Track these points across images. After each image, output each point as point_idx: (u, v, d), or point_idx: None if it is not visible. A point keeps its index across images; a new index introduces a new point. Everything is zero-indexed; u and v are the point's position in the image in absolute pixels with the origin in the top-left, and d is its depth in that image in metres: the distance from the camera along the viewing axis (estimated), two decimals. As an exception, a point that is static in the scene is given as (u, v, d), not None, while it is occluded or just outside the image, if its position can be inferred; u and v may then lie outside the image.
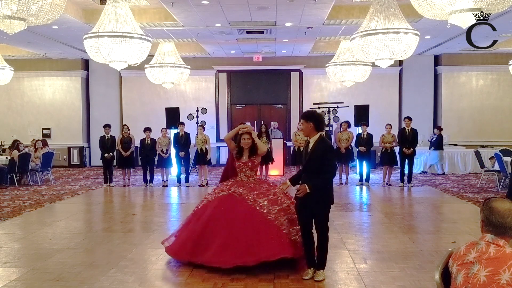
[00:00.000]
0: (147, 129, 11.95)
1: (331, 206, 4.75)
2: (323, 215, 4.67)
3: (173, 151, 12.09)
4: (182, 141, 11.82)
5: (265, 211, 4.98)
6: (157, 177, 12.36)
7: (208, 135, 12.22)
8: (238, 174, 5.40)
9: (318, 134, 4.63)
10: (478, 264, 2.27)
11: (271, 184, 5.55)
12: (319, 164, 4.54)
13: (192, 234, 5.13)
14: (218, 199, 5.23)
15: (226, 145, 18.63)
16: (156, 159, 12.11)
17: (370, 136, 11.70)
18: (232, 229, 4.91)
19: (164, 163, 12.04)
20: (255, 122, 16.32)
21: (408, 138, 11.27)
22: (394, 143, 11.59)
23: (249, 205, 5.04)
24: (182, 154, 11.78)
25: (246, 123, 12.84)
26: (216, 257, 4.85)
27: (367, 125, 11.98)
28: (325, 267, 4.79)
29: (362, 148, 11.56)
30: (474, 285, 2.23)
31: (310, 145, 4.65)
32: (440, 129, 14.17)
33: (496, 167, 11.12)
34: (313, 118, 4.62)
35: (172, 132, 12.86)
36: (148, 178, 11.89)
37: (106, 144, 11.95)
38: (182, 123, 12.13)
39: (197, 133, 12.18)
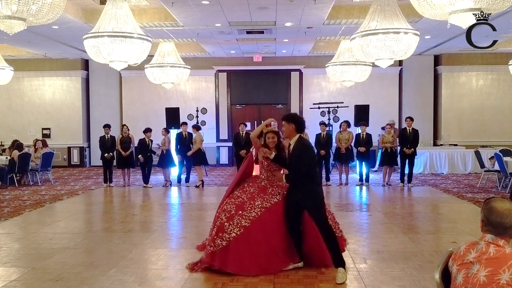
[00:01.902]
0: (148, 130, 11.86)
1: (325, 204, 4.84)
2: (317, 213, 4.73)
3: (173, 151, 12.06)
4: (186, 141, 11.79)
5: None
6: (157, 177, 12.33)
7: (201, 135, 12.11)
8: (264, 174, 5.28)
9: (298, 135, 4.83)
10: (478, 264, 2.27)
11: None
12: (299, 163, 4.73)
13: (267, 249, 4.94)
14: (274, 210, 5.05)
15: (225, 145, 18.67)
16: (158, 159, 12.03)
17: (369, 136, 11.70)
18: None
19: (166, 163, 11.96)
20: (255, 122, 16.32)
21: (409, 138, 11.27)
22: (394, 143, 11.59)
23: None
24: (190, 153, 11.72)
25: (246, 123, 12.90)
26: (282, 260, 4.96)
27: (367, 125, 11.99)
28: (344, 266, 4.73)
29: (362, 149, 11.55)
30: (474, 285, 2.23)
31: (291, 147, 4.87)
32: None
33: (496, 167, 11.12)
34: (294, 120, 4.87)
35: (173, 132, 12.83)
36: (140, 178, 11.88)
37: (106, 144, 11.94)
38: (185, 123, 12.08)
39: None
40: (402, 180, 11.54)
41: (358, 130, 12.35)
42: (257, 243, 4.84)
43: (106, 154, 11.83)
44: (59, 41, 13.30)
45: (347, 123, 11.98)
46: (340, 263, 4.72)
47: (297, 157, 4.73)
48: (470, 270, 2.29)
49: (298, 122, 4.85)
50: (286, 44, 14.44)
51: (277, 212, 4.99)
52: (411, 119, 11.44)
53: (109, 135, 12.04)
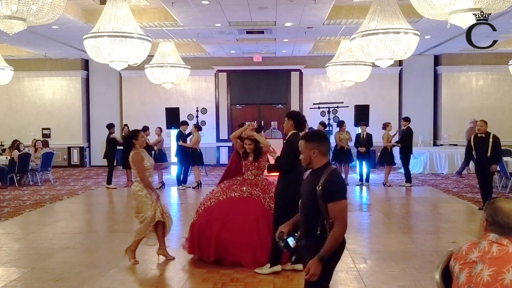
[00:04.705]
0: (146, 129, 11.70)
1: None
2: (275, 211, 4.84)
3: (173, 151, 12.00)
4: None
5: None
6: (155, 177, 12.26)
7: (199, 135, 11.96)
8: (245, 173, 5.44)
9: (292, 132, 4.90)
10: (482, 263, 2.26)
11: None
12: (282, 156, 4.89)
13: (208, 232, 5.08)
14: (234, 199, 5.19)
15: (225, 145, 18.58)
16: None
17: (369, 136, 11.70)
18: (253, 229, 5.01)
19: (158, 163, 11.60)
20: (255, 122, 16.31)
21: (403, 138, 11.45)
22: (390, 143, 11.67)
23: (266, 209, 5.12)
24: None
25: (246, 123, 12.84)
26: (240, 255, 4.97)
27: (367, 125, 11.98)
28: (273, 264, 4.83)
29: (362, 149, 11.54)
30: (477, 284, 2.23)
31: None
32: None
33: (496, 167, 11.08)
34: (293, 117, 4.94)
35: (172, 132, 12.78)
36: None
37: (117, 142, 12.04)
38: (186, 123, 11.96)
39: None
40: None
41: (358, 130, 12.35)
42: (200, 227, 5.14)
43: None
44: (59, 41, 13.30)
45: (344, 123, 12.01)
46: (274, 260, 4.81)
47: (283, 151, 4.88)
48: (473, 269, 2.29)
49: (296, 120, 4.90)
50: (286, 44, 14.44)
51: (230, 205, 5.16)
52: (404, 119, 11.63)
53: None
